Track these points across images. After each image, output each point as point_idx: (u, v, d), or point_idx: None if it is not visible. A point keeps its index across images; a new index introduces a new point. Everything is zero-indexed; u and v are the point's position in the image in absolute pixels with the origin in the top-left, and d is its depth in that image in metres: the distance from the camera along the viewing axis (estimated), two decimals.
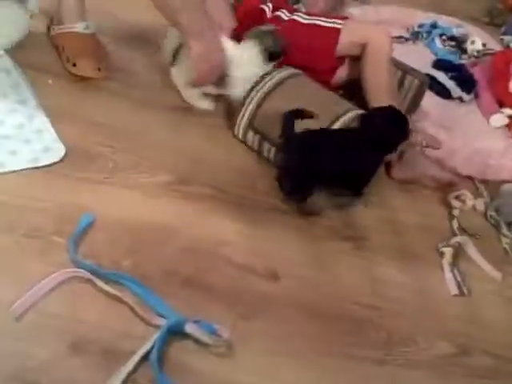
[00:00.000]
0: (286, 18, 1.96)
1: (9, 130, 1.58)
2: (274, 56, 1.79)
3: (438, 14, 2.69)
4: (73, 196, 1.49)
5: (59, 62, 1.83)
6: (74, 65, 1.79)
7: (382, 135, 1.61)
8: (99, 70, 1.81)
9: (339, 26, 1.88)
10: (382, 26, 1.97)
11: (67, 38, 1.83)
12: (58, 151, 1.58)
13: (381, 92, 1.80)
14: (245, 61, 1.76)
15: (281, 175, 1.63)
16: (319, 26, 1.92)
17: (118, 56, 1.94)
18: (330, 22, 1.92)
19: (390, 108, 1.66)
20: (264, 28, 1.82)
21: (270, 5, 2.02)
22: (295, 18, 1.96)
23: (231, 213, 1.58)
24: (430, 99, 2.14)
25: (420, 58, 2.39)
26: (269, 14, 2.00)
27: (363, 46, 1.85)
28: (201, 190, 1.61)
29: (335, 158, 1.57)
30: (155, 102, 1.84)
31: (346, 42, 1.88)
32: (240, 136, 1.79)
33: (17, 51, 1.78)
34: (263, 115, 1.73)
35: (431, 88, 2.20)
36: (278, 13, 1.99)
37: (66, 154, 1.57)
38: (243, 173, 1.71)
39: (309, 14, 1.97)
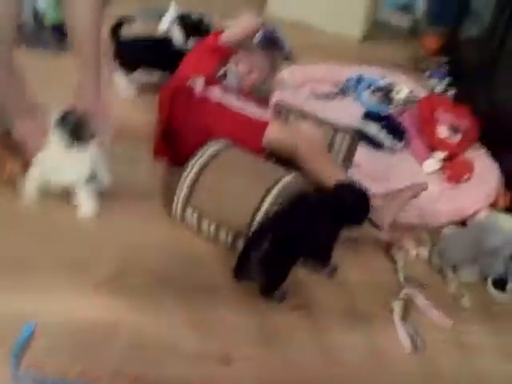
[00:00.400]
0: (215, 101, 2.00)
1: None
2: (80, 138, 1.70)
3: (363, 66, 2.77)
4: (12, 305, 1.45)
5: None
6: None
7: (347, 210, 1.65)
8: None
9: (267, 121, 1.95)
10: (309, 129, 2.03)
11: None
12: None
13: (327, 174, 1.84)
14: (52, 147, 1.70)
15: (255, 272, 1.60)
16: (248, 117, 1.96)
17: None
18: (260, 114, 1.99)
19: (351, 185, 1.71)
20: (66, 116, 1.69)
21: (202, 80, 2.06)
22: (225, 101, 2.00)
23: (174, 300, 1.56)
24: (361, 151, 2.19)
25: (350, 112, 2.46)
26: (199, 91, 2.03)
27: (293, 150, 1.90)
28: (142, 280, 1.60)
29: (304, 240, 1.59)
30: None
31: (274, 139, 1.93)
32: (178, 216, 1.79)
33: None
34: (200, 191, 1.74)
35: (362, 140, 2.26)
36: (209, 92, 2.03)
37: None
38: (183, 256, 1.70)
39: (241, 96, 2.03)
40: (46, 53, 2.48)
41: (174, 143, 2.00)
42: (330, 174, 1.84)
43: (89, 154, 1.72)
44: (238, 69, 2.25)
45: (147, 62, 2.39)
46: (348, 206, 1.65)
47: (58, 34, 2.55)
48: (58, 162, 1.70)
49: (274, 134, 1.93)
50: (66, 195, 1.73)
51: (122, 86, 2.37)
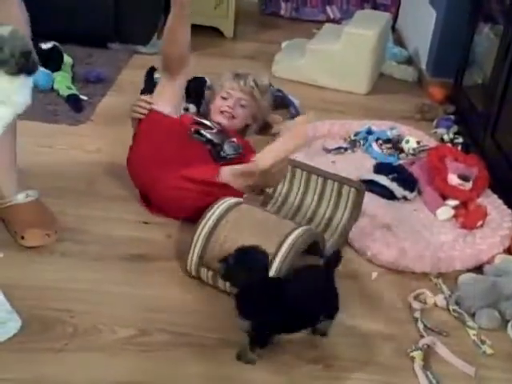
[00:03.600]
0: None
1: None
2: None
3: (371, 119, 2.82)
4: (33, 369, 1.48)
5: (8, 234, 1.87)
6: (22, 237, 1.82)
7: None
8: (48, 235, 1.84)
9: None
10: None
11: (10, 211, 1.88)
12: (14, 324, 1.58)
13: None
14: None
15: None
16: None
17: (65, 214, 1.99)
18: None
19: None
20: None
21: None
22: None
23: (194, 357, 1.57)
24: (374, 202, 2.22)
25: (361, 165, 2.50)
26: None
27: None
28: (162, 339, 1.61)
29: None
30: (108, 254, 1.87)
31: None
32: (193, 273, 1.81)
33: None
34: (213, 249, 1.76)
35: (375, 192, 2.28)
36: None
37: (22, 326, 1.57)
38: (201, 312, 1.72)
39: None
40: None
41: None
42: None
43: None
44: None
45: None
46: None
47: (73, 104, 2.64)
48: None
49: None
50: None
51: None
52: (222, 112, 2.39)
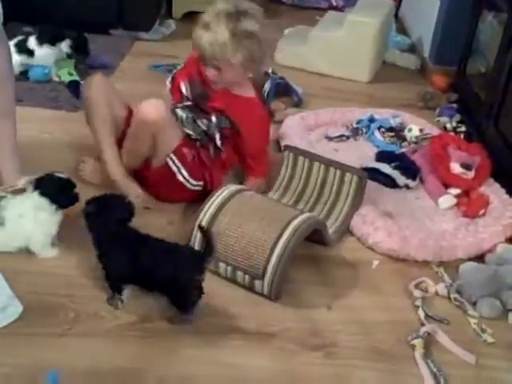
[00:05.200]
0: None
1: None
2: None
3: (373, 107, 2.81)
4: (35, 355, 1.48)
5: None
6: None
7: None
8: None
9: None
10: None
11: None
12: (15, 309, 1.59)
13: None
14: (25, 208, 1.74)
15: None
16: None
17: None
18: None
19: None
20: (56, 174, 1.79)
21: None
22: None
23: (197, 342, 1.58)
24: (377, 190, 2.21)
25: (363, 153, 2.50)
26: None
27: None
28: (163, 325, 1.62)
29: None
30: None
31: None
32: None
33: None
34: (215, 236, 1.75)
35: (377, 180, 2.28)
36: None
37: (23, 311, 1.58)
38: (203, 298, 1.70)
39: None
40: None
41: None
42: None
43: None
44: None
45: None
46: None
47: (74, 90, 2.63)
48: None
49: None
50: None
51: None
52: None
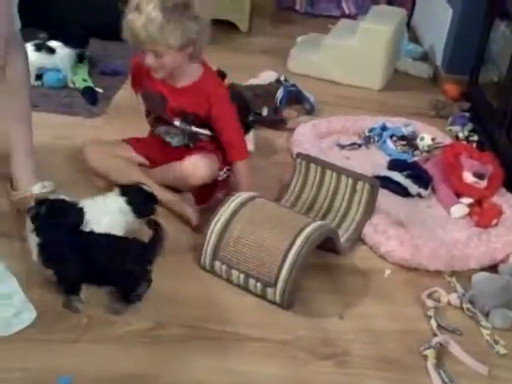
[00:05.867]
0: None
1: None
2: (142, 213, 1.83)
3: (385, 116, 2.81)
4: (47, 360, 1.49)
5: (23, 224, 1.87)
6: None
7: None
8: None
9: None
10: None
11: (26, 202, 1.88)
12: (29, 314, 1.59)
13: None
14: (112, 209, 1.80)
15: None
16: None
17: None
18: None
19: None
20: (143, 186, 1.87)
21: None
22: None
23: (208, 349, 1.58)
24: (389, 199, 2.21)
25: (375, 162, 2.50)
26: None
27: None
28: (175, 332, 1.63)
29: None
30: None
31: None
32: (207, 267, 1.82)
33: None
34: (227, 243, 1.77)
35: (389, 188, 2.28)
36: None
37: (37, 316, 1.59)
38: (214, 305, 1.72)
39: None
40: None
41: None
42: None
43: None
44: None
45: None
46: None
47: (88, 97, 2.65)
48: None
49: None
50: None
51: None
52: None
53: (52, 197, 1.71)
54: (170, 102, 2.01)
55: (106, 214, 1.78)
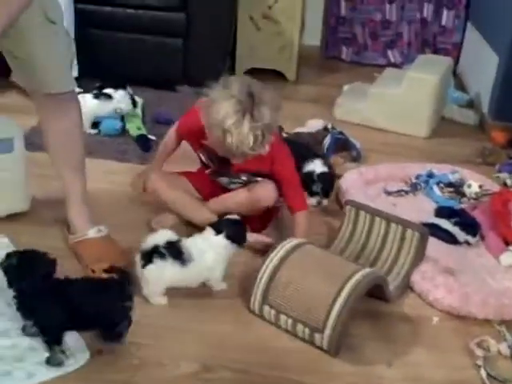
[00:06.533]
0: None
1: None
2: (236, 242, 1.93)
3: (432, 163, 2.82)
4: None
5: (79, 267, 1.95)
6: (93, 271, 1.90)
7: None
8: None
9: None
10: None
11: (82, 245, 1.97)
12: (82, 354, 1.65)
13: None
14: (214, 245, 1.90)
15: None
16: None
17: (135, 249, 2.05)
18: None
19: None
20: (231, 218, 1.96)
21: None
22: None
23: None
24: (437, 247, 2.21)
25: (422, 209, 2.50)
26: None
27: None
28: (224, 375, 1.65)
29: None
30: (174, 290, 1.90)
31: None
32: (256, 311, 1.85)
33: None
34: (277, 288, 1.81)
35: (437, 236, 2.28)
36: None
37: (90, 357, 1.64)
38: (263, 350, 1.75)
39: None
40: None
41: None
42: None
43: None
44: None
45: None
46: None
47: (142, 144, 2.76)
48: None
49: None
50: None
51: None
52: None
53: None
54: (233, 163, 2.11)
55: (208, 251, 1.88)
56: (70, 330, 1.66)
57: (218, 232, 1.91)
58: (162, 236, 1.86)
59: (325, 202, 2.43)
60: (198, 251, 1.86)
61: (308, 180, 2.39)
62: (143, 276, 1.83)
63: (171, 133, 2.27)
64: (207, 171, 2.23)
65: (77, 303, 1.62)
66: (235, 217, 1.96)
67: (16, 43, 1.78)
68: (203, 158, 2.21)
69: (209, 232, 1.92)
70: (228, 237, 1.90)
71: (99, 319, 1.65)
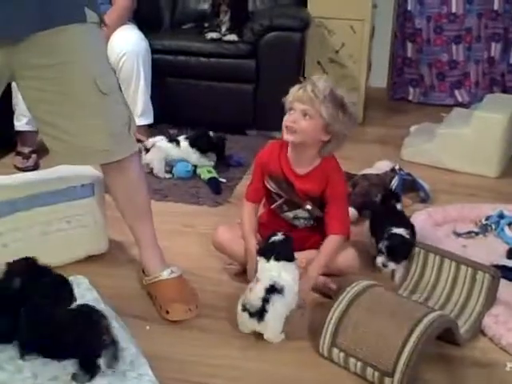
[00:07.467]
0: None
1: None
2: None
3: (502, 203, 2.79)
4: None
5: (154, 308, 2.02)
6: (167, 312, 1.97)
7: None
8: (190, 310, 1.97)
9: None
10: None
11: (156, 287, 2.04)
12: None
13: None
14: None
15: None
16: None
17: (205, 291, 2.13)
18: None
19: None
20: (277, 238, 1.97)
21: None
22: None
23: None
24: (508, 289, 2.16)
25: (492, 250, 2.47)
26: None
27: None
28: None
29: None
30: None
31: None
32: (325, 354, 1.86)
33: (117, 301, 2.00)
34: (346, 330, 1.82)
35: (509, 278, 2.24)
36: None
37: None
38: None
39: None
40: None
41: None
42: None
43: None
44: None
45: None
46: None
47: (213, 187, 2.85)
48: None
49: None
50: None
51: None
52: (286, 127, 2.09)
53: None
54: (296, 186, 2.15)
55: (285, 276, 1.91)
56: (50, 358, 1.69)
57: (268, 258, 1.92)
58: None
59: (391, 265, 2.22)
60: (280, 280, 1.89)
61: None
62: (267, 320, 1.88)
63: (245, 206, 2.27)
64: (273, 206, 2.23)
65: (54, 335, 1.65)
66: (279, 237, 1.96)
67: (67, 120, 1.84)
68: (271, 186, 2.21)
69: (261, 261, 1.94)
70: (278, 259, 1.91)
71: (75, 351, 1.65)
